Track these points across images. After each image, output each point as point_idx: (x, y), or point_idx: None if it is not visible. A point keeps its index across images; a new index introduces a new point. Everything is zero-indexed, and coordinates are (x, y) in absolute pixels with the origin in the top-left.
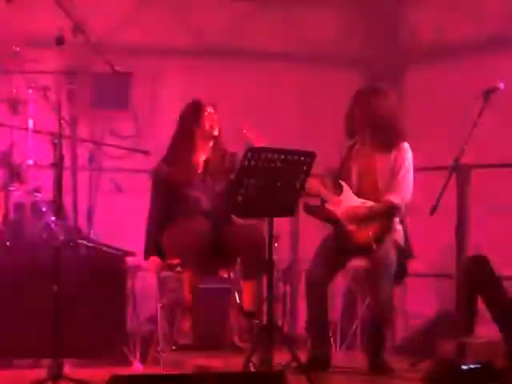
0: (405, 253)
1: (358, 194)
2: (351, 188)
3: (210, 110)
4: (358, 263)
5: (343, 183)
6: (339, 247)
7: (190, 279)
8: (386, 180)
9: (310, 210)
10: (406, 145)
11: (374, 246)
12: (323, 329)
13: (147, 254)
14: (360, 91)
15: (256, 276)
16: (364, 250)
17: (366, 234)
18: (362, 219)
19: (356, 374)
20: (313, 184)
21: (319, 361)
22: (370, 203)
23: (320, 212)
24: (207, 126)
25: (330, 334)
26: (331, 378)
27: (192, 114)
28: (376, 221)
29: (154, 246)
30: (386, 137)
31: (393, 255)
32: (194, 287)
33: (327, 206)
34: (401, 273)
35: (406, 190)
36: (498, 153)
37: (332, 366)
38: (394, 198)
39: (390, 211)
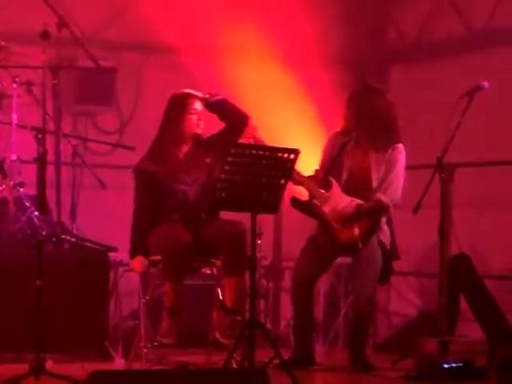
0: (390, 254)
1: (347, 191)
2: (340, 184)
3: (196, 106)
4: (341, 260)
5: (333, 180)
6: (326, 245)
7: (170, 280)
8: (378, 179)
9: (298, 205)
10: (400, 146)
11: (360, 245)
12: (308, 327)
13: (133, 253)
14: (359, 90)
15: (238, 273)
16: (350, 249)
17: (351, 233)
18: (349, 218)
19: (338, 372)
20: (300, 177)
21: (303, 358)
22: (357, 201)
23: (307, 207)
24: (192, 126)
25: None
26: (313, 376)
27: (179, 110)
28: (363, 219)
29: (139, 246)
30: (383, 137)
31: (378, 255)
32: (176, 289)
33: (315, 201)
34: (385, 273)
35: (396, 190)
36: (483, 151)
37: (315, 364)
38: (384, 197)
39: (379, 210)
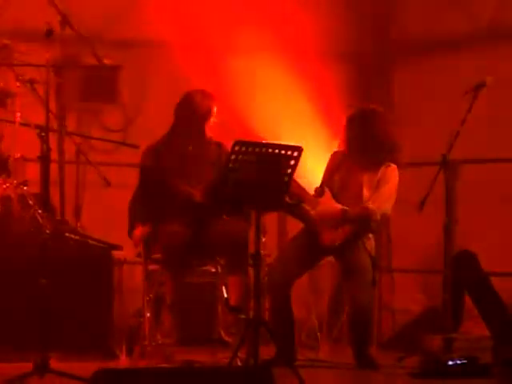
0: (374, 262)
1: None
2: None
3: (213, 109)
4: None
5: (326, 189)
6: (309, 247)
7: (170, 280)
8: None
9: (286, 207)
10: (394, 166)
11: (337, 243)
12: (287, 327)
13: (131, 229)
14: (358, 113)
15: (242, 271)
16: (332, 252)
17: (333, 235)
18: (334, 222)
19: (343, 369)
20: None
21: (284, 356)
22: (345, 207)
23: (295, 210)
24: (207, 130)
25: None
26: (319, 373)
27: (199, 111)
28: (348, 225)
29: (136, 220)
30: (378, 157)
31: (368, 263)
32: (176, 287)
33: (303, 205)
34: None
35: (385, 201)
36: (488, 148)
37: (319, 361)
38: (371, 205)
39: (365, 217)
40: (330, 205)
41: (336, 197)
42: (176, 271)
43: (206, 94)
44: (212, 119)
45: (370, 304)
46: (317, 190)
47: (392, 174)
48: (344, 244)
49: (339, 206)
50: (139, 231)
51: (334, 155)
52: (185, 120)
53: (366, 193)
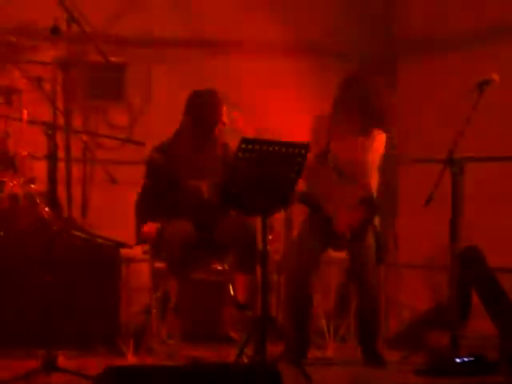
0: (380, 238)
1: (338, 175)
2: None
3: (224, 111)
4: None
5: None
6: (321, 233)
7: (174, 280)
8: (363, 162)
9: (299, 198)
10: (384, 135)
11: (349, 234)
12: (305, 322)
13: (139, 226)
14: (352, 78)
15: (250, 269)
16: (345, 236)
17: (348, 219)
18: (345, 206)
19: (350, 367)
20: None
21: (293, 353)
22: (351, 189)
23: (308, 199)
24: (217, 130)
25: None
26: (325, 370)
27: (211, 112)
28: (362, 206)
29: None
30: (370, 122)
31: (372, 239)
32: (181, 287)
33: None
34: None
35: (376, 174)
36: (494, 146)
37: (326, 359)
38: (372, 182)
39: (371, 203)
40: (338, 187)
41: (333, 162)
42: (178, 271)
43: (216, 95)
44: (222, 121)
45: (376, 286)
46: (319, 156)
47: (382, 143)
48: (360, 227)
49: (345, 188)
50: (148, 227)
51: (320, 120)
52: (195, 121)
53: (361, 157)
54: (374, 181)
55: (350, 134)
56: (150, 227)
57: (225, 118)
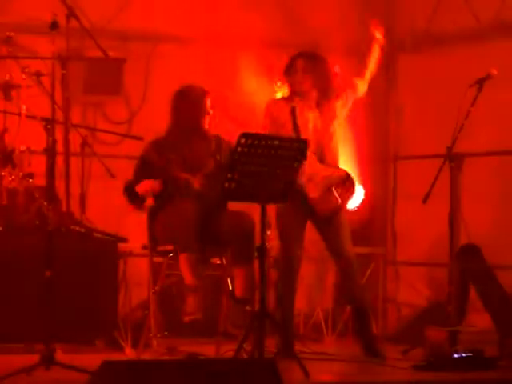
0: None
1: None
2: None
3: (208, 103)
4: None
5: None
6: (299, 216)
7: (188, 261)
8: (327, 139)
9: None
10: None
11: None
12: (291, 316)
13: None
14: (311, 55)
15: (247, 263)
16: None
17: (330, 200)
18: (325, 187)
19: (347, 361)
20: None
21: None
22: (330, 170)
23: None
24: (205, 123)
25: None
26: (323, 365)
27: (192, 106)
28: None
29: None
30: (328, 98)
31: (347, 222)
32: (194, 267)
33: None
34: None
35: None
36: (492, 141)
37: (324, 354)
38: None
39: (346, 179)
40: (315, 167)
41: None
42: (190, 242)
43: (197, 88)
44: (208, 112)
45: (355, 259)
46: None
47: (336, 110)
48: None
49: (325, 170)
50: (143, 185)
51: (277, 104)
52: (181, 116)
53: (327, 136)
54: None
55: (313, 113)
56: (145, 184)
57: (210, 109)
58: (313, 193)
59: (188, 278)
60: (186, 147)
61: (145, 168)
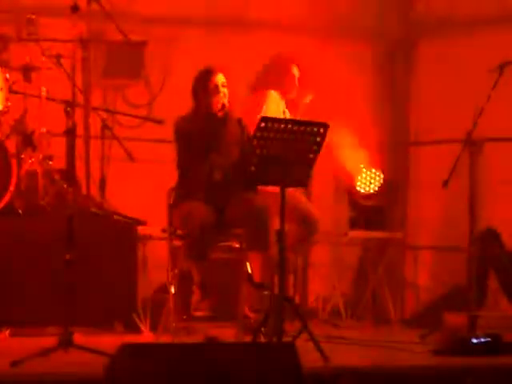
0: None
1: None
2: None
3: (219, 80)
4: (370, 235)
5: None
6: None
7: (195, 261)
8: None
9: None
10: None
11: None
12: None
13: None
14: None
15: (263, 247)
16: None
17: None
18: None
19: (366, 346)
20: None
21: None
22: None
23: None
24: (216, 104)
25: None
26: (341, 349)
27: (201, 90)
28: None
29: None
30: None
31: None
32: (201, 268)
33: None
34: None
35: None
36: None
37: (343, 338)
38: None
39: None
40: None
41: None
42: (198, 252)
43: (204, 68)
44: (217, 91)
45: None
46: None
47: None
48: None
49: None
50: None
51: (274, 97)
52: (194, 100)
53: None
54: None
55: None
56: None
57: (219, 88)
58: None
59: (197, 276)
60: (209, 131)
61: (185, 143)
